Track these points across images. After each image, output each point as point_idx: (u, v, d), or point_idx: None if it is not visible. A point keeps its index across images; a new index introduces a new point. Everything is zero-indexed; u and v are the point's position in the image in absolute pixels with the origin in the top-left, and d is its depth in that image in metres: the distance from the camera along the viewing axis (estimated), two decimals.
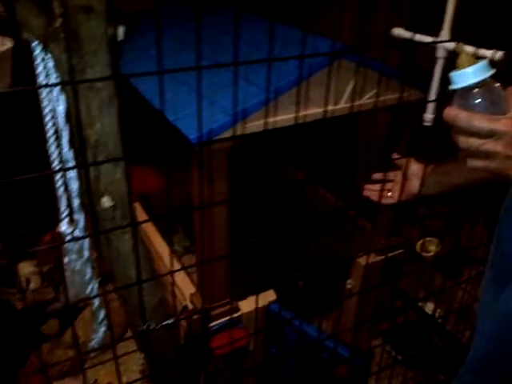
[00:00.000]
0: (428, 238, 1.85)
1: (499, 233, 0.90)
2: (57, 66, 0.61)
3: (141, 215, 1.87)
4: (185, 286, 1.53)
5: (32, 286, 1.82)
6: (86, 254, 0.83)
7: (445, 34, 1.29)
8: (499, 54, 1.12)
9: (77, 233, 0.81)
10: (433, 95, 1.33)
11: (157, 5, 1.50)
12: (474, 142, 0.58)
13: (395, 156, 1.31)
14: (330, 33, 1.50)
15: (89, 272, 0.86)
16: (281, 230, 1.94)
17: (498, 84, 0.59)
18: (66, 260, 0.84)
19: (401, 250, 1.74)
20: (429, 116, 1.32)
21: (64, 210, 0.78)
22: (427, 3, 1.50)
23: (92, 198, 0.73)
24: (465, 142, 0.59)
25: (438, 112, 1.30)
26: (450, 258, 1.92)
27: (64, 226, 0.80)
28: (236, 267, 1.39)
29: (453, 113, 0.58)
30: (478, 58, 0.61)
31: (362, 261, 1.65)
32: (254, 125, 1.19)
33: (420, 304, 1.94)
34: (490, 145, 0.57)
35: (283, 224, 1.95)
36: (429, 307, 1.94)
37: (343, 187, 1.86)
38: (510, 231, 0.86)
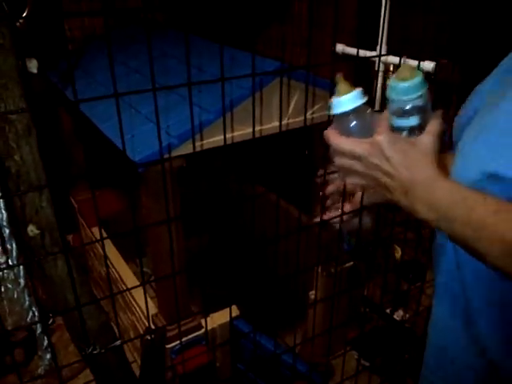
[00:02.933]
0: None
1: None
2: None
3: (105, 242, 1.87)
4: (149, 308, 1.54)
5: None
6: (22, 282, 0.84)
7: (382, 48, 1.34)
8: (429, 66, 1.16)
9: (10, 261, 0.82)
10: (376, 106, 1.38)
11: (106, 31, 1.52)
12: (345, 162, 0.66)
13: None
14: (276, 51, 1.54)
15: (27, 300, 0.87)
16: (242, 246, 1.96)
17: (369, 110, 0.67)
18: (2, 289, 0.85)
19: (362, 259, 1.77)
20: None
21: None
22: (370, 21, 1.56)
23: (20, 227, 0.74)
24: (338, 161, 0.67)
25: None
26: (412, 264, 1.95)
27: None
28: (199, 285, 1.39)
29: (328, 134, 0.66)
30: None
31: (323, 271, 1.67)
32: (198, 144, 1.21)
33: (388, 311, 1.96)
34: (356, 165, 0.64)
35: (244, 239, 1.96)
36: (398, 314, 1.96)
37: (303, 199, 1.88)
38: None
